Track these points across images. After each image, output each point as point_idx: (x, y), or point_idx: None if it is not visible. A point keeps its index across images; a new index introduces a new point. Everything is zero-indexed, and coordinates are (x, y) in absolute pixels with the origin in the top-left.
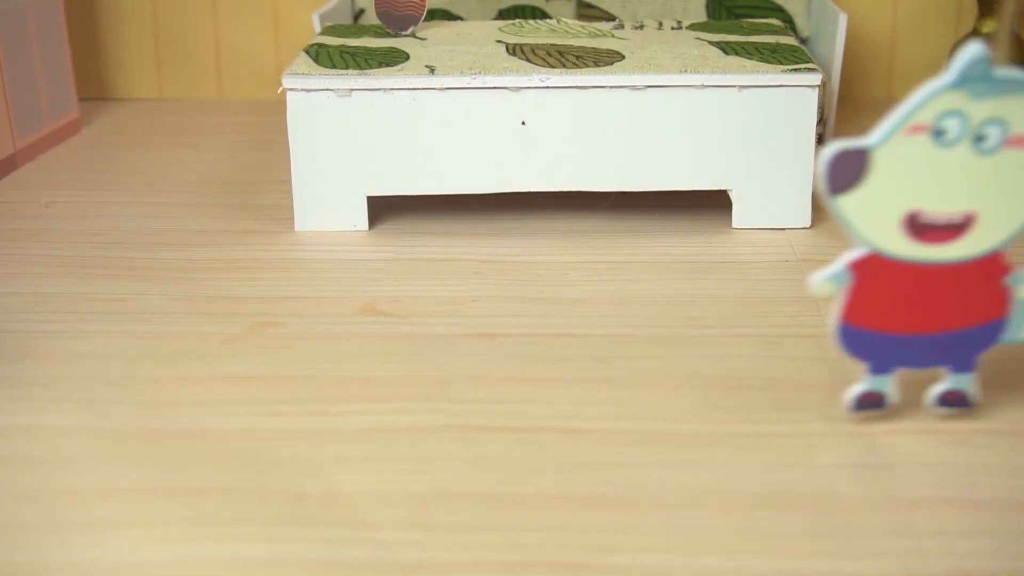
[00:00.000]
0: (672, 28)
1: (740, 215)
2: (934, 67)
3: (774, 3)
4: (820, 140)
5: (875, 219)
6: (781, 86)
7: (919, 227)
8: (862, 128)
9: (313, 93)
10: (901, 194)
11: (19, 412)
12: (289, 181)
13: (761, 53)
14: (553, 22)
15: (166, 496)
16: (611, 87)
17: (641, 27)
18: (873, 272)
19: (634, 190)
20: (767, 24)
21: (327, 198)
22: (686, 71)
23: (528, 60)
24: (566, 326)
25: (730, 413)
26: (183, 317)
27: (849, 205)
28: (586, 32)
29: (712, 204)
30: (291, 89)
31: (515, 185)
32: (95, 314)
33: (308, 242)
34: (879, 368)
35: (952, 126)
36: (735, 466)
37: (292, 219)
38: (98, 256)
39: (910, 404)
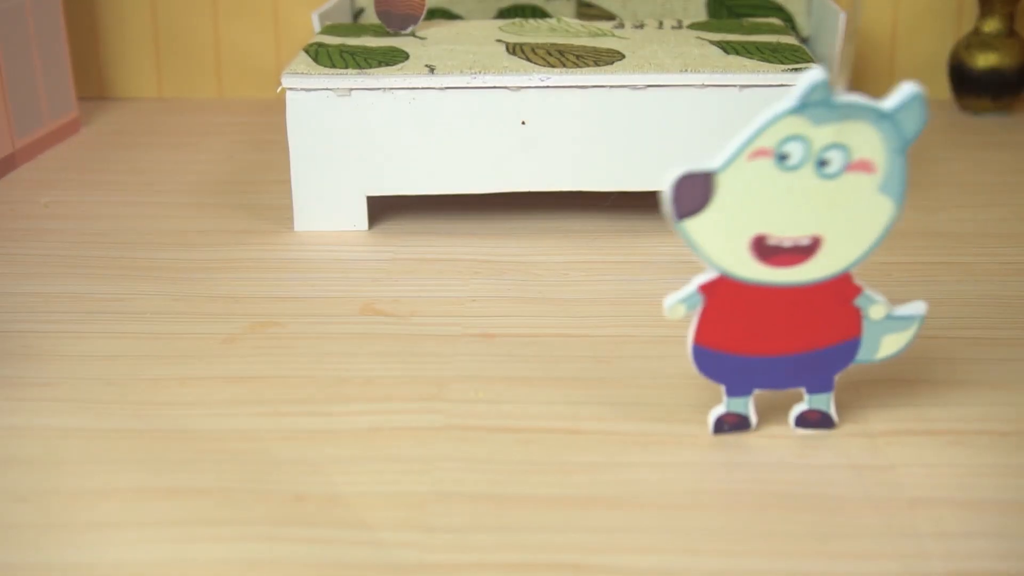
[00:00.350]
0: (672, 27)
1: None
2: (935, 66)
3: (775, 2)
4: None
5: (723, 242)
6: (782, 85)
7: (766, 250)
8: None
9: (313, 93)
10: (747, 218)
11: (17, 412)
12: (289, 181)
13: (762, 52)
14: (553, 21)
15: (165, 496)
16: (611, 87)
17: (641, 26)
18: (723, 295)
19: (634, 190)
20: (767, 23)
21: (327, 198)
22: (686, 71)
23: (528, 59)
24: (566, 326)
25: None
26: (182, 317)
27: (695, 229)
28: (586, 31)
29: None
30: (291, 89)
31: (515, 185)
32: (94, 314)
33: (307, 242)
34: (735, 390)
35: (794, 151)
36: (735, 466)
37: (292, 219)
38: (97, 256)
39: (908, 405)
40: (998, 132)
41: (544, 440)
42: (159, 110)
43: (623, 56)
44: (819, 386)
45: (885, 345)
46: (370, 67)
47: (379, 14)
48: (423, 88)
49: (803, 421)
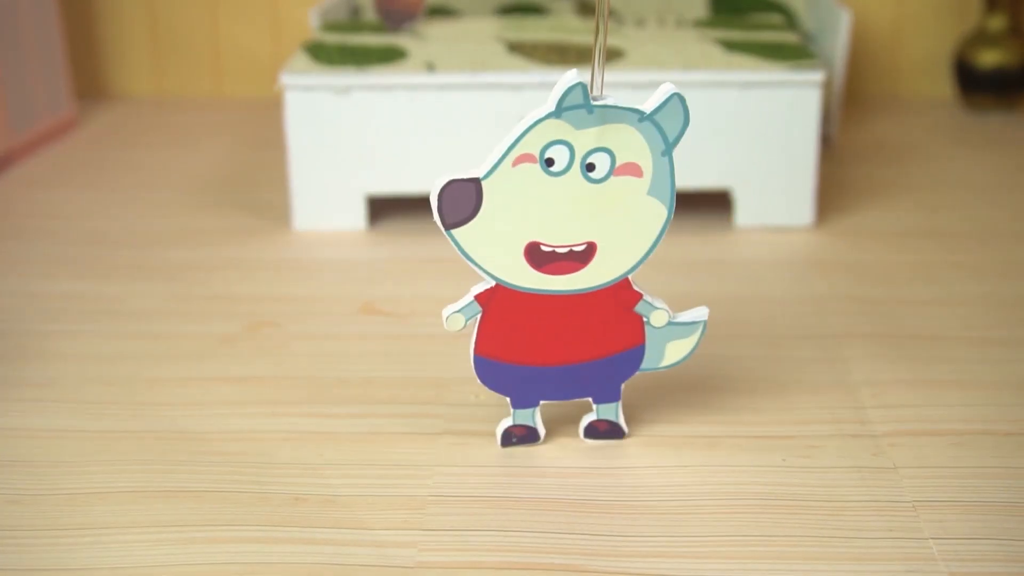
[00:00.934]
0: (674, 25)
1: (743, 214)
2: (938, 63)
3: (777, 0)
4: (826, 139)
5: (496, 250)
6: (783, 83)
7: (541, 257)
8: (867, 125)
9: (312, 91)
10: (519, 225)
11: (14, 413)
12: (288, 179)
13: (764, 51)
14: (553, 19)
15: (163, 498)
16: (612, 84)
17: (642, 23)
18: (501, 304)
19: None
20: (770, 22)
21: (326, 197)
22: (688, 68)
23: (528, 57)
24: None
25: (731, 415)
26: (180, 317)
27: (465, 237)
28: (586, 29)
29: (715, 203)
30: (289, 87)
31: None
32: (91, 314)
33: (306, 241)
34: (520, 402)
35: (559, 156)
36: (737, 468)
37: (290, 218)
38: (94, 255)
39: (911, 406)
40: (1002, 130)
41: (544, 442)
42: (157, 108)
43: (624, 54)
44: (605, 396)
45: (670, 352)
46: (369, 65)
47: (378, 12)
48: (422, 86)
49: (592, 432)
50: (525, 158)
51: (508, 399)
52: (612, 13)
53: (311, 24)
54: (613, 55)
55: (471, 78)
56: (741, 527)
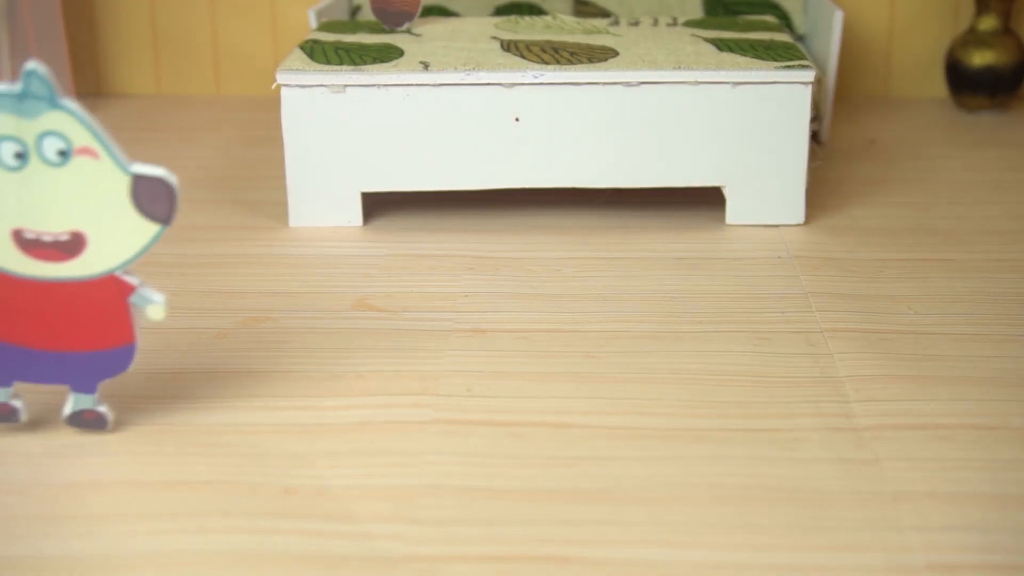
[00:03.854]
0: (667, 25)
1: (733, 211)
2: (931, 64)
3: (770, 0)
4: (815, 137)
5: None
6: (775, 83)
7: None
8: (858, 125)
9: (308, 89)
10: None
11: None
12: (284, 177)
13: (755, 50)
14: (548, 18)
15: (156, 489)
16: (605, 83)
17: (636, 23)
18: None
19: (627, 187)
20: (762, 21)
21: (321, 194)
22: (680, 68)
23: (522, 56)
24: (558, 322)
25: (717, 408)
26: (176, 312)
27: None
28: (581, 28)
29: (705, 200)
30: (286, 85)
31: (508, 181)
32: None
33: (302, 238)
34: None
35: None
36: (721, 460)
37: (287, 215)
38: None
39: (895, 399)
40: (994, 130)
41: (533, 434)
42: (156, 106)
43: (617, 53)
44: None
45: None
46: (365, 64)
47: (375, 11)
48: (418, 85)
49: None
50: None
51: None
52: (606, 13)
53: (310, 24)
54: (606, 54)
55: (465, 77)
56: (724, 517)
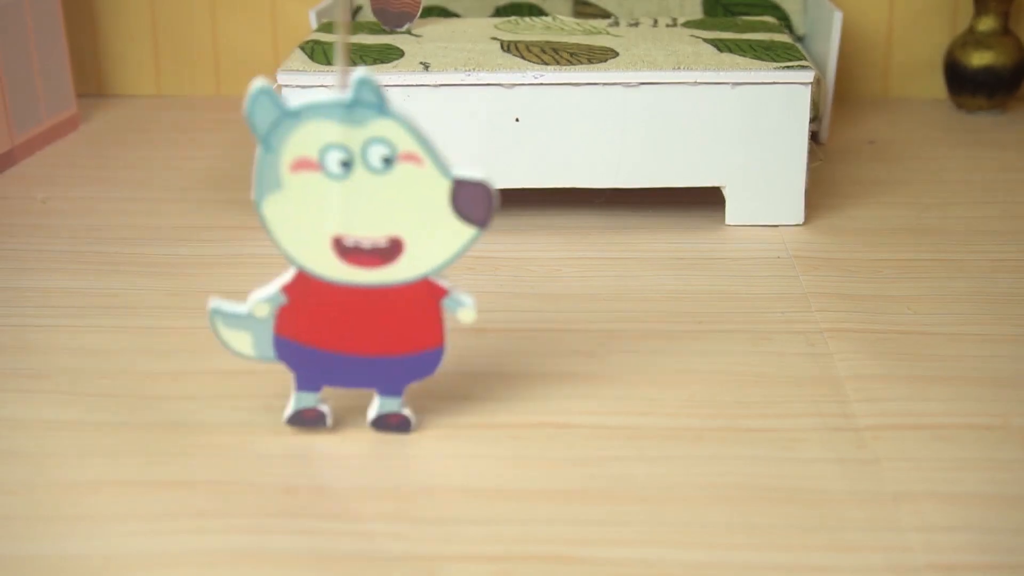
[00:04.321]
0: (667, 25)
1: (733, 212)
2: (930, 65)
3: (770, 1)
4: (815, 137)
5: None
6: (774, 83)
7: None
8: (857, 126)
9: (308, 90)
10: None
11: (9, 404)
12: None
13: (755, 50)
14: (548, 19)
15: (156, 489)
16: (604, 84)
17: (636, 24)
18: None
19: (627, 187)
20: (762, 22)
21: None
22: (679, 68)
23: (522, 57)
24: (558, 322)
25: (717, 408)
26: (177, 312)
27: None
28: (581, 29)
29: (705, 200)
30: (286, 86)
31: (508, 182)
32: (89, 308)
33: None
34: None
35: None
36: (721, 460)
37: None
38: (93, 251)
39: (895, 399)
40: (992, 130)
41: (533, 434)
42: (157, 107)
43: (616, 54)
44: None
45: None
46: (365, 64)
47: (375, 12)
48: (417, 85)
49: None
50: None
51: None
52: (606, 13)
53: (311, 24)
54: (605, 54)
55: (466, 77)
56: (724, 517)
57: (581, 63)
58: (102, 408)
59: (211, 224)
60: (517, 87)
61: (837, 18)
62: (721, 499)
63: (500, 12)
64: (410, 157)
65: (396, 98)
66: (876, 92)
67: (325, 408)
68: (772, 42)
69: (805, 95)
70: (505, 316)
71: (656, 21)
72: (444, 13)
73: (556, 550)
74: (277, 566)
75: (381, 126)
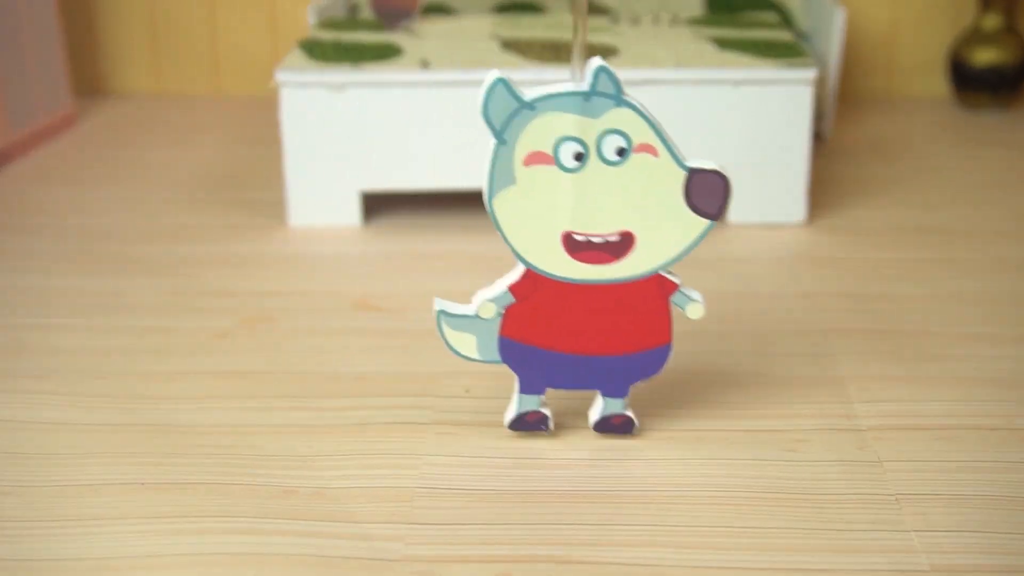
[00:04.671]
0: (668, 23)
1: (735, 211)
2: (933, 62)
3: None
4: (818, 136)
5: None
6: (776, 81)
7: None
8: (861, 124)
9: (307, 88)
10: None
11: (8, 406)
12: (284, 176)
13: (756, 48)
14: (548, 17)
15: (154, 490)
16: None
17: (637, 21)
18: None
19: None
20: (764, 19)
21: (321, 193)
22: (680, 66)
23: (522, 55)
24: None
25: (720, 408)
26: (175, 312)
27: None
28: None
29: None
30: (285, 84)
31: None
32: (87, 308)
33: (301, 237)
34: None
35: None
36: (722, 462)
37: (286, 214)
38: (91, 251)
39: (898, 400)
40: (996, 129)
41: (533, 435)
42: (155, 105)
43: (617, 51)
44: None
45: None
46: (364, 62)
47: (374, 10)
48: (416, 83)
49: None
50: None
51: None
52: (608, 11)
53: (309, 22)
54: (607, 52)
55: (465, 75)
56: (726, 518)
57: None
58: (101, 409)
59: (210, 223)
60: (517, 85)
61: (840, 16)
62: (723, 500)
63: (500, 10)
64: (646, 148)
65: (396, 96)
66: (880, 90)
67: (547, 411)
68: (774, 40)
69: (807, 93)
70: None
71: (657, 18)
72: (443, 11)
73: (557, 551)
74: (276, 568)
75: (617, 116)
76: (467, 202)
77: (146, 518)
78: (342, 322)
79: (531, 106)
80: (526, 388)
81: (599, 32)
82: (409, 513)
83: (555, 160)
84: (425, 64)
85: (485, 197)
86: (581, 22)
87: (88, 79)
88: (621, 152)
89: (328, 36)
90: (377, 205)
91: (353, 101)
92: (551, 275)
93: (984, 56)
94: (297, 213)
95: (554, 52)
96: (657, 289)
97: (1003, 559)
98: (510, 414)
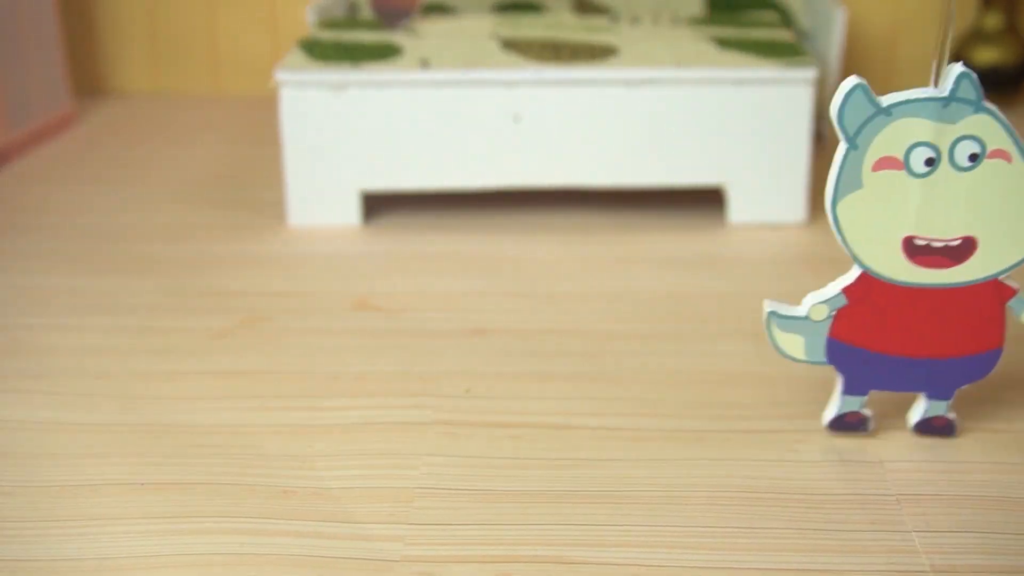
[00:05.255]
0: (669, 22)
1: (735, 211)
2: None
3: None
4: (819, 136)
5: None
6: (776, 81)
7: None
8: None
9: (307, 87)
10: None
11: (6, 405)
12: (283, 176)
13: (757, 48)
14: (548, 17)
15: (153, 490)
16: (605, 81)
17: (637, 21)
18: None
19: (628, 186)
20: (764, 19)
21: (321, 192)
22: (681, 66)
23: (522, 54)
24: (558, 322)
25: (719, 409)
26: (174, 311)
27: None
28: (581, 26)
29: (706, 200)
30: (284, 83)
31: (508, 180)
32: (85, 308)
33: (301, 237)
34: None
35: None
36: (722, 462)
37: (286, 214)
38: (90, 250)
39: (897, 401)
40: None
41: (533, 435)
42: (155, 105)
43: (617, 51)
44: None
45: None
46: (364, 62)
47: (374, 9)
48: (416, 83)
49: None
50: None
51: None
52: (607, 11)
53: (309, 21)
54: (606, 52)
55: (465, 75)
56: (725, 519)
57: (582, 60)
58: (99, 409)
59: (210, 223)
60: (517, 84)
61: (840, 15)
62: (722, 501)
63: (500, 9)
64: (999, 154)
65: (396, 95)
66: (880, 90)
67: (868, 412)
68: (774, 40)
69: (807, 92)
70: (504, 316)
71: (657, 18)
72: (443, 10)
73: (557, 551)
74: (275, 568)
75: (974, 122)
76: (467, 202)
77: (145, 518)
78: (342, 322)
79: (887, 112)
80: (850, 389)
81: (599, 32)
82: (409, 513)
83: (905, 165)
84: (425, 64)
85: (828, 202)
86: (949, 28)
87: (88, 79)
88: (973, 157)
89: (328, 36)
90: (377, 205)
91: (353, 101)
92: (888, 279)
93: (985, 56)
94: (297, 213)
95: (554, 52)
96: (993, 294)
97: (1003, 560)
98: (830, 414)
